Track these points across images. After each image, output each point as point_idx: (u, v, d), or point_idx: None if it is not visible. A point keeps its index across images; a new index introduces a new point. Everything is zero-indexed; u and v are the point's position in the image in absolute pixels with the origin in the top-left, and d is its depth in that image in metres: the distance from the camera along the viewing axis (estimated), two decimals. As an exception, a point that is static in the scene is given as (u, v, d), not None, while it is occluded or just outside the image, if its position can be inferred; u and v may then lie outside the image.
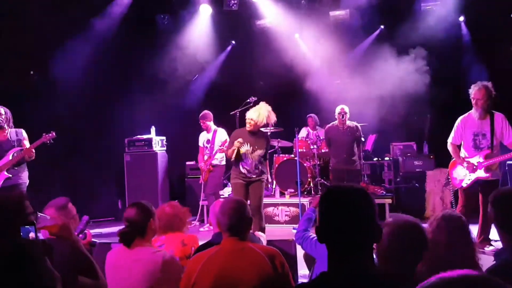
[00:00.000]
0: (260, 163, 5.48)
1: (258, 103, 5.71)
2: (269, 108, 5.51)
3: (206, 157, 7.18)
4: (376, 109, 7.86)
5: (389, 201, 7.21)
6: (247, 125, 5.42)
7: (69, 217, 2.77)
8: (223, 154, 6.75)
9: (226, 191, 7.86)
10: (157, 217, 3.35)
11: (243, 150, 5.38)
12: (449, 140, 5.36)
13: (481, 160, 5.05)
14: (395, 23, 8.30)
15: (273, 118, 5.54)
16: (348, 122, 6.73)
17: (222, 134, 7.10)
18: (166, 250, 3.17)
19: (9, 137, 5.52)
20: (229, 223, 2.47)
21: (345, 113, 6.60)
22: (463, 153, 5.27)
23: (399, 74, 7.78)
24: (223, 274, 2.33)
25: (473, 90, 5.03)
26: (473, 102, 5.06)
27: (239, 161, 5.45)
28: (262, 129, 5.76)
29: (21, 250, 1.24)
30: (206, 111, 7.28)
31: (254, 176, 5.46)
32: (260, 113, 5.37)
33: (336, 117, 6.72)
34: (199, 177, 7.48)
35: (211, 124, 7.19)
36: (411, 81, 7.72)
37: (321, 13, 8.65)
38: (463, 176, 5.18)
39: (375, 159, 8.63)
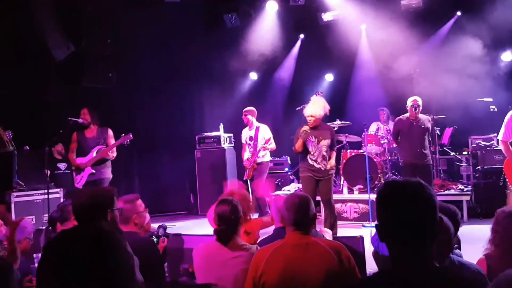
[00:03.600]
0: (328, 155, 5.57)
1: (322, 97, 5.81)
2: (322, 99, 5.70)
3: (249, 155, 7.07)
4: (454, 101, 7.44)
5: (467, 198, 6.80)
6: (309, 122, 5.56)
7: (134, 212, 2.92)
8: (268, 151, 6.90)
9: (293, 187, 7.85)
10: None
11: (311, 139, 5.52)
12: (499, 137, 5.06)
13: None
14: (473, 8, 7.76)
15: (328, 107, 5.69)
16: (421, 115, 6.38)
17: (265, 131, 7.00)
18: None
19: (95, 135, 5.94)
20: (293, 218, 2.48)
21: (418, 105, 6.25)
22: None
23: (478, 64, 7.30)
24: (290, 267, 2.35)
25: None
26: None
27: (307, 154, 5.57)
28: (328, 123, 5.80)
29: (106, 233, 1.33)
30: (251, 107, 7.28)
31: (323, 168, 5.54)
32: (317, 107, 5.53)
33: (408, 109, 6.37)
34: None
35: (254, 120, 7.10)
36: (491, 70, 7.21)
37: (391, 2, 8.32)
38: None
39: (452, 153, 8.18)
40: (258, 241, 3.29)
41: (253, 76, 9.86)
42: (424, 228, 1.40)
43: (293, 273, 2.34)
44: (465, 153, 7.91)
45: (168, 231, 3.92)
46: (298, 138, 5.56)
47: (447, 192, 7.17)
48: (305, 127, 5.49)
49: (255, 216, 6.97)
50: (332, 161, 5.62)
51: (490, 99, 7.21)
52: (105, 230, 1.30)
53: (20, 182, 6.76)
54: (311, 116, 5.51)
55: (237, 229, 2.78)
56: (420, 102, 6.29)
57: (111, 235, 1.28)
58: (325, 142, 5.53)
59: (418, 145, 6.30)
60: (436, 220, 1.43)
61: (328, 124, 5.96)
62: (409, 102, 6.33)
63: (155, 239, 3.60)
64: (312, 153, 5.54)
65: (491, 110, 7.10)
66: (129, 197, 2.97)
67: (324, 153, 5.53)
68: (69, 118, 5.92)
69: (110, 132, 6.03)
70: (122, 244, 1.28)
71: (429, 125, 6.39)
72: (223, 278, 2.68)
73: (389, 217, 1.43)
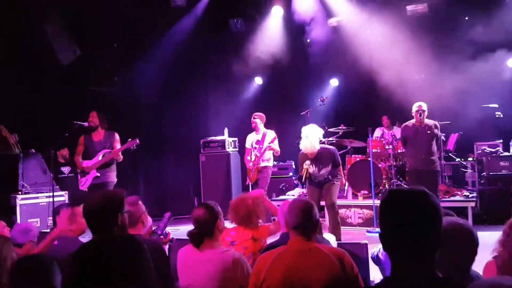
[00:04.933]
0: (331, 174, 5.72)
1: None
2: (313, 127, 5.72)
3: (254, 158, 7.09)
4: (459, 106, 7.41)
5: (472, 204, 6.75)
6: (309, 156, 5.65)
7: (140, 212, 2.95)
8: (271, 155, 6.97)
9: (296, 192, 7.84)
10: (235, 206, 3.44)
11: (310, 171, 5.66)
12: None
13: None
14: (481, 14, 7.74)
15: (322, 132, 5.81)
16: (427, 120, 6.27)
17: (272, 137, 7.03)
18: (238, 247, 3.26)
19: (102, 138, 5.97)
20: (296, 223, 2.48)
21: (423, 110, 6.16)
22: None
23: (483, 70, 7.26)
24: (291, 273, 2.34)
25: None
26: None
27: (311, 177, 5.77)
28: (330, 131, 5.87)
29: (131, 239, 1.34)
30: (261, 113, 7.31)
31: (326, 182, 5.75)
32: (312, 140, 5.58)
33: (413, 115, 6.28)
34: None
35: (262, 125, 7.13)
36: (497, 76, 7.18)
37: (397, 7, 8.32)
38: None
39: (457, 159, 8.14)
40: (265, 246, 3.28)
41: (258, 80, 9.89)
42: (426, 237, 1.40)
43: (295, 279, 2.33)
44: (470, 159, 7.87)
45: (171, 235, 3.92)
46: (301, 165, 5.73)
47: (452, 198, 7.13)
48: (306, 163, 5.61)
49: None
50: (339, 176, 5.84)
51: (496, 105, 7.17)
52: (135, 240, 1.31)
53: (26, 184, 6.80)
54: (307, 150, 5.61)
55: (212, 233, 2.76)
56: (425, 107, 6.20)
57: (139, 244, 1.30)
58: (325, 170, 5.66)
59: (424, 151, 6.21)
60: (440, 229, 1.42)
61: (328, 146, 6.00)
62: (414, 108, 6.24)
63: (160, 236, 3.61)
64: (315, 177, 5.73)
65: (497, 116, 7.07)
66: (131, 200, 2.97)
67: (326, 176, 5.69)
68: (75, 122, 5.96)
69: (117, 136, 6.05)
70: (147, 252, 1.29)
71: (436, 131, 6.28)
72: (193, 280, 2.71)
73: (392, 226, 1.42)
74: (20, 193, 6.64)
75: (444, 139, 7.90)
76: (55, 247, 3.16)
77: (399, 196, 1.46)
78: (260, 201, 3.60)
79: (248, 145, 7.27)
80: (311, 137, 5.58)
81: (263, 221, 3.68)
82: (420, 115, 6.16)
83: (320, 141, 5.82)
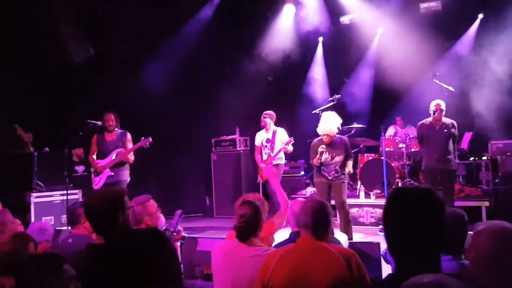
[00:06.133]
0: (341, 168, 5.71)
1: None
2: (334, 114, 5.75)
3: (265, 157, 7.10)
4: (474, 105, 7.31)
5: (487, 203, 6.66)
6: (324, 139, 5.66)
7: (145, 213, 2.92)
8: (282, 153, 6.97)
9: (308, 191, 7.82)
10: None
11: (323, 158, 5.65)
12: None
13: None
14: (496, 10, 7.62)
15: (340, 121, 5.79)
16: (444, 119, 6.10)
17: (282, 134, 7.03)
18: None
19: (115, 138, 6.02)
20: (308, 222, 2.47)
21: (441, 109, 6.00)
22: None
23: (500, 68, 7.16)
24: (297, 271, 2.34)
25: None
26: None
27: (321, 166, 5.74)
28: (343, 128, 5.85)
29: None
30: (271, 111, 7.30)
31: (334, 179, 5.72)
32: (331, 124, 5.60)
33: (431, 113, 6.10)
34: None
35: (272, 123, 7.13)
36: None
37: (410, 5, 8.24)
38: None
39: (472, 158, 8.03)
40: (273, 245, 3.28)
41: (270, 79, 9.86)
42: (430, 235, 1.39)
43: (300, 278, 2.32)
44: (484, 158, 7.76)
45: (183, 233, 3.94)
46: (314, 153, 5.70)
47: (466, 197, 7.05)
48: (322, 147, 5.59)
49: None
50: (349, 168, 5.75)
51: None
52: (163, 235, 1.33)
53: (40, 183, 6.89)
54: (325, 135, 5.61)
55: (256, 231, 2.79)
56: (443, 106, 6.03)
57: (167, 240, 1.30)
58: (339, 158, 5.67)
59: (440, 150, 6.05)
60: (443, 227, 1.41)
61: (341, 135, 5.94)
62: (432, 106, 6.08)
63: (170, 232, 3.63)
64: (326, 167, 5.70)
65: None
66: (140, 199, 2.98)
67: (338, 168, 5.68)
68: (88, 121, 6.02)
69: (129, 136, 6.10)
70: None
71: (453, 130, 6.10)
72: (239, 277, 2.69)
73: (395, 223, 1.42)
74: (34, 191, 6.73)
75: (458, 138, 7.81)
76: (68, 245, 3.20)
77: (404, 194, 1.46)
78: (261, 199, 3.61)
79: (257, 143, 7.27)
80: (331, 122, 5.62)
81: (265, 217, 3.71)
82: (438, 113, 6.00)
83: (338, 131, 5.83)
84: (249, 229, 2.76)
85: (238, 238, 2.77)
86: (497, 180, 7.17)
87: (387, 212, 1.46)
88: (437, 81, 6.78)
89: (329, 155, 5.64)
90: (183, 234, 3.99)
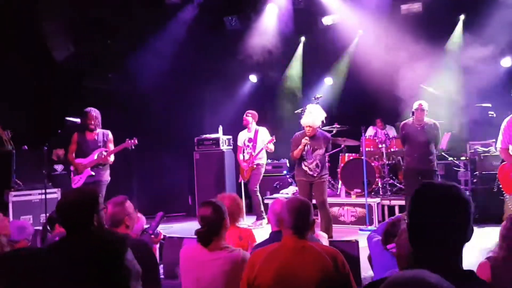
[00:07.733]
0: (321, 162, 5.75)
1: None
2: (318, 107, 5.85)
3: (247, 156, 7.16)
4: (452, 106, 7.43)
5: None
6: (307, 132, 5.69)
7: (124, 214, 2.89)
8: (264, 152, 7.04)
9: (291, 190, 7.86)
10: None
11: (305, 148, 5.70)
12: (498, 145, 5.10)
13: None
14: (477, 12, 7.75)
15: (324, 115, 5.86)
16: (426, 119, 6.17)
17: (265, 134, 7.12)
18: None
19: (96, 137, 5.93)
20: (293, 221, 2.48)
21: (422, 109, 6.06)
22: None
23: (479, 68, 7.29)
24: (284, 270, 2.36)
25: None
26: None
27: (302, 161, 5.76)
28: (324, 130, 6.05)
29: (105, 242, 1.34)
30: (254, 111, 7.33)
31: (315, 174, 5.73)
32: (314, 117, 5.67)
33: (414, 112, 6.17)
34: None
35: (254, 123, 7.21)
36: (490, 75, 7.21)
37: (391, 7, 8.33)
38: None
39: (450, 158, 8.18)
40: (254, 245, 3.29)
41: (253, 78, 9.88)
42: (457, 231, 1.42)
43: (287, 277, 2.35)
44: (463, 158, 7.91)
45: (165, 232, 3.93)
46: (295, 145, 5.72)
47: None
48: (306, 139, 5.64)
49: (247, 218, 7.02)
50: (327, 172, 5.92)
51: (489, 105, 7.21)
52: (119, 237, 1.31)
53: (18, 181, 6.77)
54: (309, 126, 5.66)
55: (219, 232, 2.76)
56: (425, 106, 6.09)
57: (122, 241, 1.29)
58: (320, 152, 5.72)
59: (421, 150, 6.12)
60: (469, 224, 1.44)
61: (324, 131, 6.01)
62: (415, 106, 6.15)
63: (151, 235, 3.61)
64: (306, 160, 5.74)
65: (490, 115, 7.11)
66: (117, 200, 2.93)
67: (318, 162, 5.72)
68: (66, 118, 5.92)
69: (111, 135, 6.02)
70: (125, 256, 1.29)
71: (435, 130, 6.19)
72: (200, 279, 2.70)
73: (422, 218, 1.44)
74: (12, 189, 6.61)
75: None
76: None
77: (432, 189, 1.48)
78: (235, 198, 3.64)
79: (240, 143, 7.30)
80: (315, 114, 5.70)
81: (242, 217, 3.80)
82: (419, 113, 6.07)
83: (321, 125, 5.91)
84: (211, 232, 2.74)
85: (200, 243, 2.76)
86: (475, 180, 7.32)
87: (414, 206, 1.48)
88: (424, 87, 6.90)
89: (310, 147, 5.70)
90: (163, 235, 3.97)
